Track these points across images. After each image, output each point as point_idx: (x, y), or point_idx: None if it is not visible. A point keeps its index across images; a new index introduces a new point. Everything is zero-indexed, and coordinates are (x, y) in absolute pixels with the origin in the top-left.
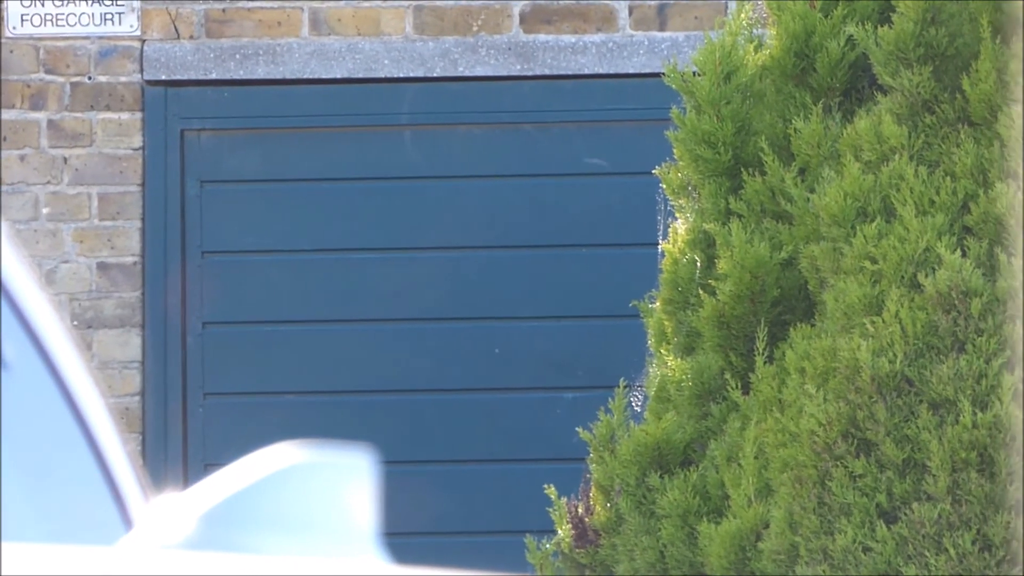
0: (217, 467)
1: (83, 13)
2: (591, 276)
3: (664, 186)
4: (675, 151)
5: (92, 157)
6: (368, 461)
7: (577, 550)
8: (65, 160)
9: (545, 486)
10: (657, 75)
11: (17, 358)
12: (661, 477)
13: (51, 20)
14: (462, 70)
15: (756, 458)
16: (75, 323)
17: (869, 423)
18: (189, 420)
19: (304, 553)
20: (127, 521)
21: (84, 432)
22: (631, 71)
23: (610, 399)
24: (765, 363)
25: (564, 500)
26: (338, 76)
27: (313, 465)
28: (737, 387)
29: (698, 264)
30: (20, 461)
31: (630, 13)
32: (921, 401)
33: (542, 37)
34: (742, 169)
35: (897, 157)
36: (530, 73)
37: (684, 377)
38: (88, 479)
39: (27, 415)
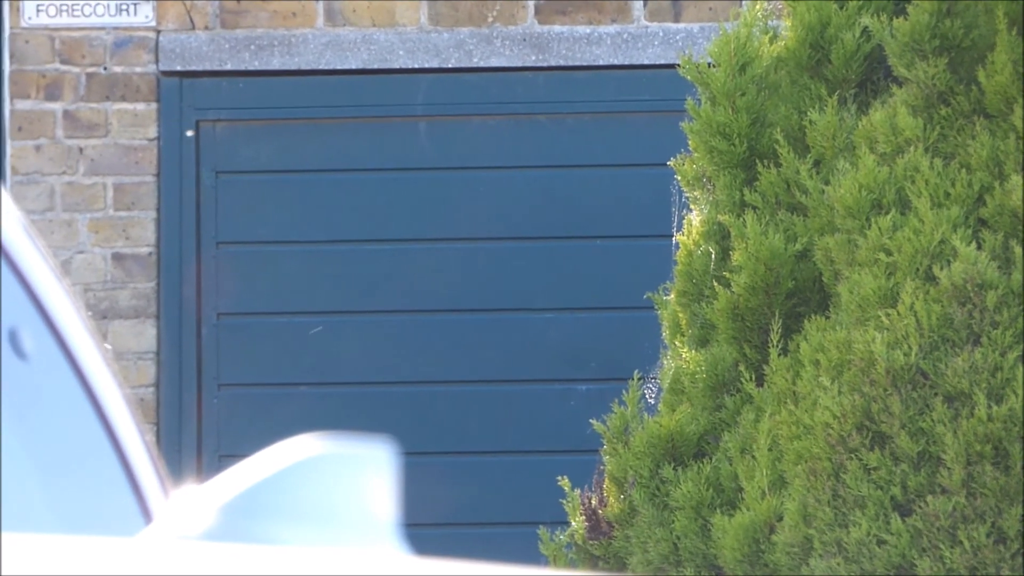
0: (231, 458)
1: (98, 3)
2: (605, 268)
3: (679, 178)
4: (690, 142)
5: (107, 147)
6: (388, 452)
7: (590, 542)
8: (80, 150)
9: (559, 478)
10: (672, 66)
11: (36, 348)
12: (675, 469)
13: (66, 10)
14: (477, 61)
15: (770, 450)
16: (90, 314)
17: (884, 416)
18: (204, 411)
19: (324, 544)
20: (146, 513)
21: (103, 423)
22: (646, 62)
23: (624, 391)
24: (779, 355)
25: (578, 492)
26: (353, 67)
27: (333, 456)
28: (751, 379)
29: (712, 256)
30: (39, 453)
31: (645, 4)
32: (936, 394)
33: (557, 28)
34: (757, 161)
35: (912, 149)
36: (545, 64)
37: (698, 369)
38: (107, 471)
39: (46, 406)
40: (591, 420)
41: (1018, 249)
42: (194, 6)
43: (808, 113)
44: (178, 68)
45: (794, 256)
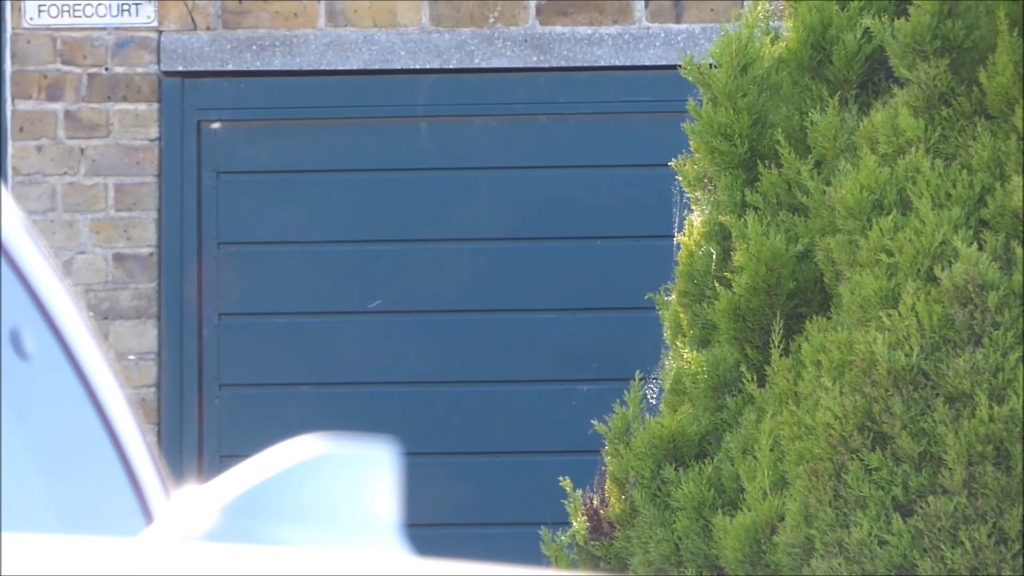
0: (233, 458)
1: (100, 4)
2: (606, 268)
3: (680, 178)
4: (691, 143)
5: (109, 148)
6: (390, 453)
7: (592, 542)
8: (82, 151)
9: (560, 478)
10: (673, 67)
11: (37, 349)
12: (676, 470)
13: (68, 11)
14: (478, 62)
15: (771, 451)
16: (91, 314)
17: (885, 416)
18: (205, 411)
19: (326, 545)
20: (147, 513)
21: (104, 424)
22: (647, 63)
23: (625, 391)
24: (781, 356)
25: (579, 492)
26: (354, 67)
27: (336, 456)
28: (753, 380)
29: (714, 256)
30: (40, 453)
31: (646, 5)
32: (937, 394)
33: (558, 29)
34: (758, 161)
35: (913, 150)
36: (546, 65)
37: (699, 369)
38: (108, 471)
39: (47, 407)
40: (592, 420)
41: (1019, 250)
42: (196, 6)
43: (809, 114)
44: (180, 68)
45: (795, 257)
